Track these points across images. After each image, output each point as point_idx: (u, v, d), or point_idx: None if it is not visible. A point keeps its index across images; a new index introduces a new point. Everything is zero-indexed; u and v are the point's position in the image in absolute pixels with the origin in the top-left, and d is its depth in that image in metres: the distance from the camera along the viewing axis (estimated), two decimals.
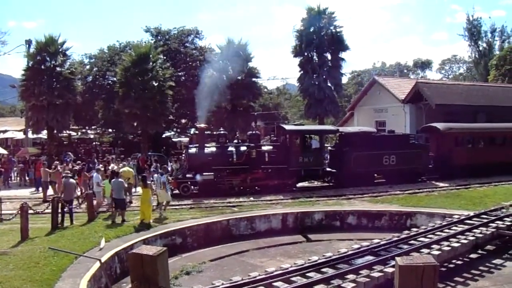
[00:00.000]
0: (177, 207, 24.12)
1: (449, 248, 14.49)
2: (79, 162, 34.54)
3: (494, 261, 15.35)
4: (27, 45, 44.89)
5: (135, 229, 18.92)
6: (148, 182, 22.66)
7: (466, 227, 16.75)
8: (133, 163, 32.83)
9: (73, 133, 63.48)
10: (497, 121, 38.43)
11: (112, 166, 27.41)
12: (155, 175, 25.72)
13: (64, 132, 53.16)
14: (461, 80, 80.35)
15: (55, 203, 19.47)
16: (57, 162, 30.67)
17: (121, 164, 29.19)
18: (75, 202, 23.07)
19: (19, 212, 17.84)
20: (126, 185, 21.46)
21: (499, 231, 16.76)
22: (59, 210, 19.71)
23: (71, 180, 21.64)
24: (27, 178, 35.70)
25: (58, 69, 44.30)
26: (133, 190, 27.18)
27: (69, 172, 24.49)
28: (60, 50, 44.90)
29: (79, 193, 25.69)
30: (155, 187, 24.09)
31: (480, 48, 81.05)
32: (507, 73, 64.33)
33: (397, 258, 6.35)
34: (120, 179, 20.96)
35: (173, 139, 64.01)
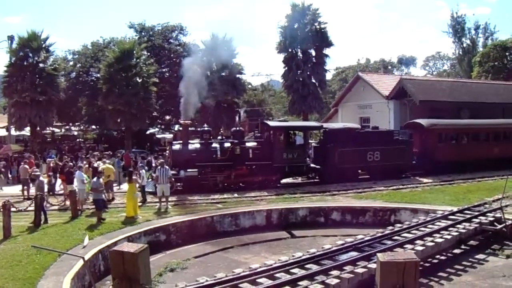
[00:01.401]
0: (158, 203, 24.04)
1: (432, 243, 14.57)
2: (65, 157, 34.31)
3: (477, 256, 15.49)
4: (10, 41, 44.50)
5: (120, 226, 18.83)
6: (134, 177, 22.57)
7: (450, 222, 16.86)
8: (117, 160, 32.72)
9: (57, 130, 63.18)
10: (481, 117, 38.71)
11: (98, 163, 27.30)
12: (141, 170, 25.68)
13: (48, 129, 52.86)
14: (445, 76, 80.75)
15: (38, 200, 19.35)
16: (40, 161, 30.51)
17: (106, 161, 28.96)
18: (58, 199, 23.07)
19: (1, 210, 17.72)
20: (102, 184, 21.20)
21: (482, 227, 16.92)
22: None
23: (42, 178, 21.63)
24: (9, 175, 35.34)
25: (41, 65, 44.03)
26: (117, 186, 27.02)
27: (37, 170, 24.31)
28: (43, 46, 44.62)
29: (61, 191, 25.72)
30: (153, 183, 24.99)
31: (464, 45, 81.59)
32: (490, 69, 64.94)
33: (378, 254, 6.39)
34: (99, 180, 20.65)
35: (157, 136, 63.82)
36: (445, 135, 34.44)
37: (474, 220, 17.35)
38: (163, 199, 22.75)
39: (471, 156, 33.55)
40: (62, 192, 25.96)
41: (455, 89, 46.19)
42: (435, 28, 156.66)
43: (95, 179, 20.64)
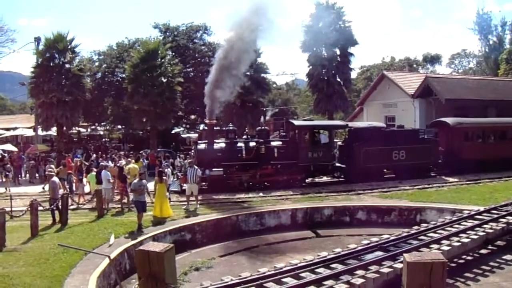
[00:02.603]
0: (186, 203, 24.13)
1: (459, 243, 14.44)
2: (92, 159, 34.64)
3: (504, 257, 15.30)
4: (36, 43, 44.92)
5: (146, 225, 18.93)
6: (164, 177, 22.65)
7: (476, 222, 16.68)
8: (143, 159, 32.93)
9: (83, 130, 63.74)
10: (507, 115, 38.14)
11: (121, 163, 27.47)
12: (167, 169, 25.89)
13: (74, 129, 53.35)
14: (471, 74, 79.79)
15: (64, 200, 19.55)
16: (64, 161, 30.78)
17: (130, 160, 29.15)
18: (85, 198, 23.32)
19: (29, 209, 17.93)
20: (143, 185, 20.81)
21: (509, 227, 16.70)
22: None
23: (55, 178, 21.53)
24: (36, 175, 35.78)
25: (67, 66, 44.35)
26: None
27: (52, 170, 24.39)
28: (69, 47, 44.94)
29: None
30: (178, 182, 24.81)
31: (490, 42, 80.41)
32: None
33: (405, 255, 6.32)
34: (141, 181, 19.98)
35: (182, 135, 64.01)
36: (471, 134, 34.07)
37: (501, 220, 17.12)
38: (192, 198, 22.77)
39: (498, 155, 33.16)
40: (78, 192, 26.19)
41: (481, 87, 45.71)
42: (461, 25, 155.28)
43: (136, 180, 20.32)
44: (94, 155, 38.53)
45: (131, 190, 19.98)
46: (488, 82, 49.72)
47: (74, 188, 27.20)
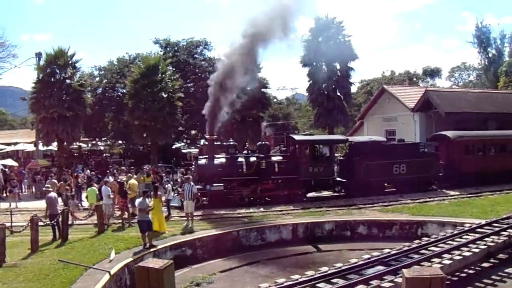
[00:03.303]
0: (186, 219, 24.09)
1: (460, 257, 14.38)
2: (92, 173, 34.66)
3: (506, 270, 15.20)
4: (37, 58, 45.10)
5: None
6: (159, 192, 22.57)
7: (478, 235, 16.62)
8: (142, 175, 32.92)
9: (83, 145, 63.76)
10: (508, 128, 38.13)
11: (121, 178, 27.48)
12: (167, 185, 25.88)
13: (74, 144, 53.41)
14: (470, 87, 79.90)
15: (64, 215, 19.53)
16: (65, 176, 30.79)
17: (134, 176, 29.18)
18: (84, 214, 23.25)
19: (29, 224, 17.91)
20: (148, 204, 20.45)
21: (511, 240, 16.63)
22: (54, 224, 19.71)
23: (53, 194, 21.37)
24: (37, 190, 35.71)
25: (68, 81, 44.59)
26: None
27: (49, 186, 24.28)
28: (70, 62, 45.18)
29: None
30: (178, 198, 25.46)
31: (490, 55, 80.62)
32: None
33: (404, 270, 6.33)
34: (146, 200, 19.48)
35: (183, 150, 64.03)
36: (471, 147, 34.03)
37: (503, 233, 17.07)
38: (190, 216, 22.64)
39: (499, 168, 33.10)
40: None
41: (481, 100, 45.74)
42: (460, 39, 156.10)
43: (140, 198, 19.66)
44: (88, 171, 38.57)
45: (138, 209, 19.50)
46: (488, 95, 49.75)
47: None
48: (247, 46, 28.02)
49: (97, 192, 24.89)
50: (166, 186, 25.76)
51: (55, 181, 29.12)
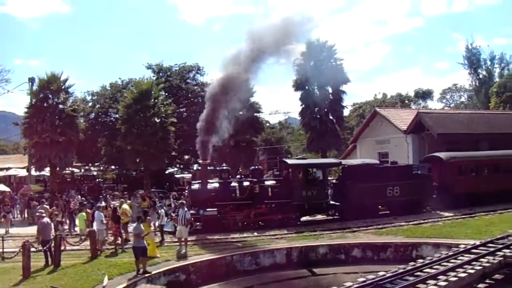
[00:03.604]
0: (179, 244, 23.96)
1: (455, 278, 14.37)
2: (83, 198, 34.48)
3: None
4: (30, 83, 45.06)
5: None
6: (148, 217, 22.47)
7: (473, 256, 16.63)
8: (136, 200, 32.82)
9: (76, 170, 63.50)
10: (500, 148, 38.23)
11: (114, 204, 27.37)
12: (160, 210, 25.78)
13: (67, 169, 53.12)
14: (462, 108, 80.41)
15: (57, 241, 19.39)
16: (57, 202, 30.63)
17: (128, 201, 29.08)
18: (76, 239, 23.09)
19: (21, 250, 17.77)
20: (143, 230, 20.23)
21: (506, 260, 16.64)
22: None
23: (46, 219, 21.14)
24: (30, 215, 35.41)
25: (60, 106, 44.54)
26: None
27: (42, 211, 24.07)
28: (63, 87, 45.15)
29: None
30: (172, 223, 25.42)
31: (480, 76, 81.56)
32: (508, 100, 64.60)
33: None
34: (140, 225, 18.99)
35: (176, 175, 63.88)
36: (464, 168, 34.11)
37: (498, 253, 17.08)
38: (183, 241, 22.42)
39: (492, 188, 33.12)
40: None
41: (473, 121, 45.95)
42: (451, 61, 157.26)
43: (135, 224, 19.53)
44: (79, 196, 38.35)
45: (134, 235, 19.17)
46: (479, 116, 50.08)
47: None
48: (243, 62, 28.11)
49: (85, 218, 24.86)
50: (159, 211, 25.64)
51: (47, 206, 28.96)
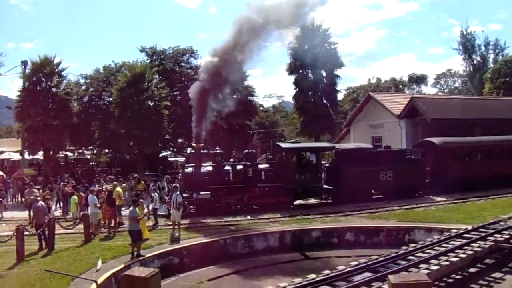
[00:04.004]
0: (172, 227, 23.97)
1: (447, 263, 14.42)
2: (73, 182, 34.33)
3: (493, 275, 15.25)
4: (23, 66, 44.84)
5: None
6: (141, 200, 22.52)
7: (465, 241, 16.68)
8: (129, 184, 32.78)
9: (70, 154, 63.36)
10: (493, 134, 38.34)
11: (106, 187, 27.34)
12: (154, 194, 25.76)
13: (61, 153, 53.05)
14: (456, 94, 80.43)
15: (51, 225, 19.38)
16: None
17: (116, 184, 28.98)
18: (70, 223, 23.09)
19: (15, 234, 17.76)
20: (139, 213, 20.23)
21: (497, 245, 16.70)
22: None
23: (41, 203, 21.17)
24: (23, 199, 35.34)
25: (53, 90, 44.45)
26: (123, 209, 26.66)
27: (37, 195, 24.05)
28: (56, 70, 45.02)
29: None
30: (165, 206, 25.67)
31: (475, 62, 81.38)
32: (501, 86, 64.52)
33: (390, 276, 6.34)
34: (136, 208, 19.05)
35: (170, 159, 63.84)
36: (457, 153, 34.17)
37: (489, 238, 17.14)
38: (176, 224, 22.46)
39: (485, 173, 33.22)
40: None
41: (467, 106, 45.93)
42: (446, 46, 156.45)
43: (131, 207, 19.52)
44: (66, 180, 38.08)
45: (130, 218, 19.23)
46: (473, 101, 50.14)
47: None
48: (235, 43, 27.95)
49: (77, 202, 24.94)
50: (153, 194, 25.64)
51: (35, 190, 28.97)
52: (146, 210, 23.51)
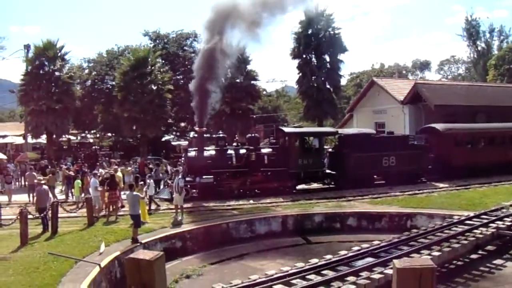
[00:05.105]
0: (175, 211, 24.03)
1: (449, 249, 14.49)
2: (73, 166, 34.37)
3: (494, 262, 15.35)
4: (26, 50, 44.84)
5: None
6: (141, 183, 22.61)
7: (466, 227, 16.75)
8: (134, 167, 32.84)
9: (73, 138, 63.50)
10: (497, 121, 38.25)
11: (101, 172, 27.35)
12: (149, 181, 25.74)
13: (64, 136, 53.16)
14: (460, 80, 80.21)
15: (54, 208, 19.43)
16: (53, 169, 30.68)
17: (117, 168, 28.99)
18: (73, 206, 23.15)
19: (19, 217, 17.82)
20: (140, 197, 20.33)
21: (499, 231, 16.75)
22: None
23: (44, 187, 21.22)
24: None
25: (56, 73, 44.44)
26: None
27: (41, 179, 24.12)
28: (59, 54, 45.01)
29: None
30: (168, 190, 25.80)
31: (479, 48, 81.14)
32: (506, 73, 64.41)
33: (395, 261, 6.32)
34: (135, 193, 19.00)
35: (173, 143, 63.91)
36: (460, 140, 34.09)
37: (491, 225, 17.21)
38: (179, 208, 22.57)
39: (488, 160, 33.20)
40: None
41: (470, 93, 45.84)
42: (450, 32, 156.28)
43: (128, 192, 19.38)
44: (70, 164, 38.06)
45: (130, 202, 19.20)
46: (477, 88, 49.96)
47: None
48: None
49: (80, 186, 25.05)
50: (148, 181, 25.54)
51: (34, 173, 29.05)
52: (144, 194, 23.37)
